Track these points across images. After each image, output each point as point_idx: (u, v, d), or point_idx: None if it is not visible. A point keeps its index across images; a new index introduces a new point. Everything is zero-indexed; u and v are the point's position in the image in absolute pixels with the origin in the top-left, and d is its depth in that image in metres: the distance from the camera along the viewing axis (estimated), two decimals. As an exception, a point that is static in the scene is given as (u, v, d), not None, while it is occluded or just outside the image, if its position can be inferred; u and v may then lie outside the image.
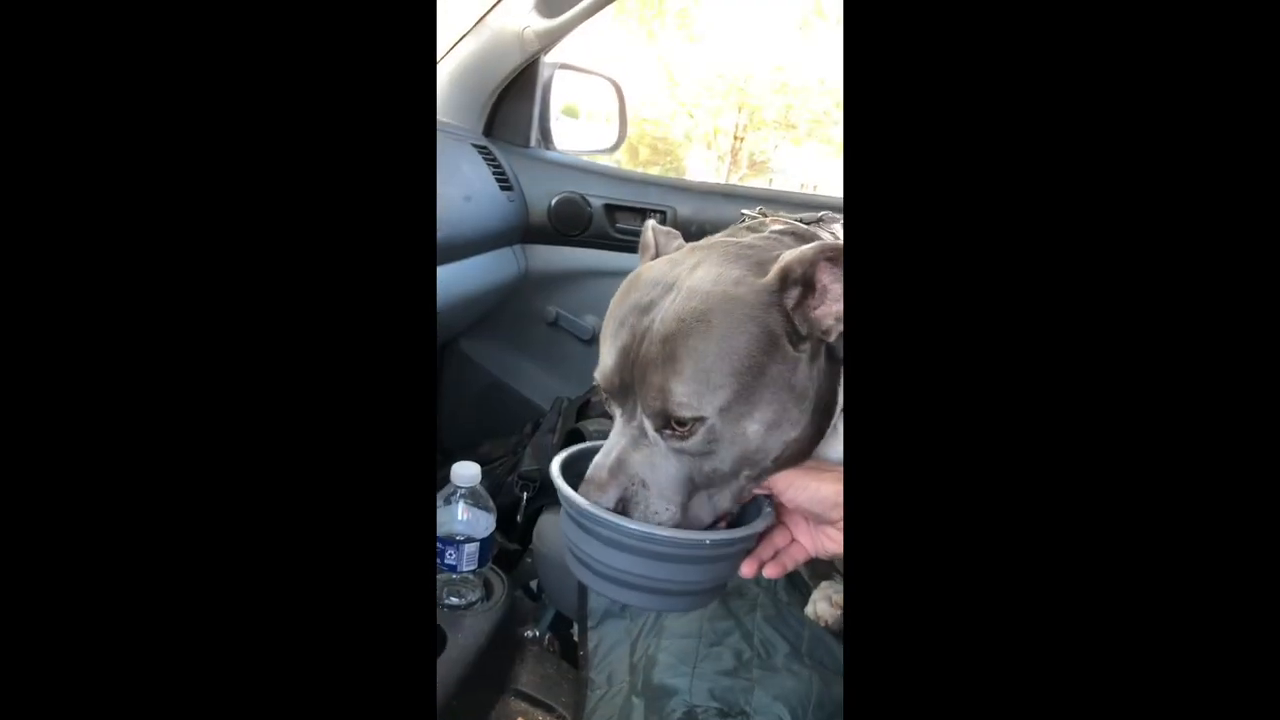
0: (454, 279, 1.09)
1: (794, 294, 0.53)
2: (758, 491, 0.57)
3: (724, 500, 0.55)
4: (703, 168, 8.54)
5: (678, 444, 0.53)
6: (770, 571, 0.58)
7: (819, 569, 0.89)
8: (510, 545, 0.98)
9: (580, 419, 1.02)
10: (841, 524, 0.55)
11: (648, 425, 0.53)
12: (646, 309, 0.54)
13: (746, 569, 0.57)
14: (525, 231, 1.30)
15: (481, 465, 1.03)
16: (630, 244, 1.27)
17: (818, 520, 0.56)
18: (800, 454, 0.56)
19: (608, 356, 0.55)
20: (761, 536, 0.58)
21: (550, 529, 0.89)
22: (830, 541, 0.57)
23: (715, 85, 8.08)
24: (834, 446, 0.61)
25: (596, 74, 1.48)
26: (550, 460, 0.57)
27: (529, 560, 1.02)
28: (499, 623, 0.77)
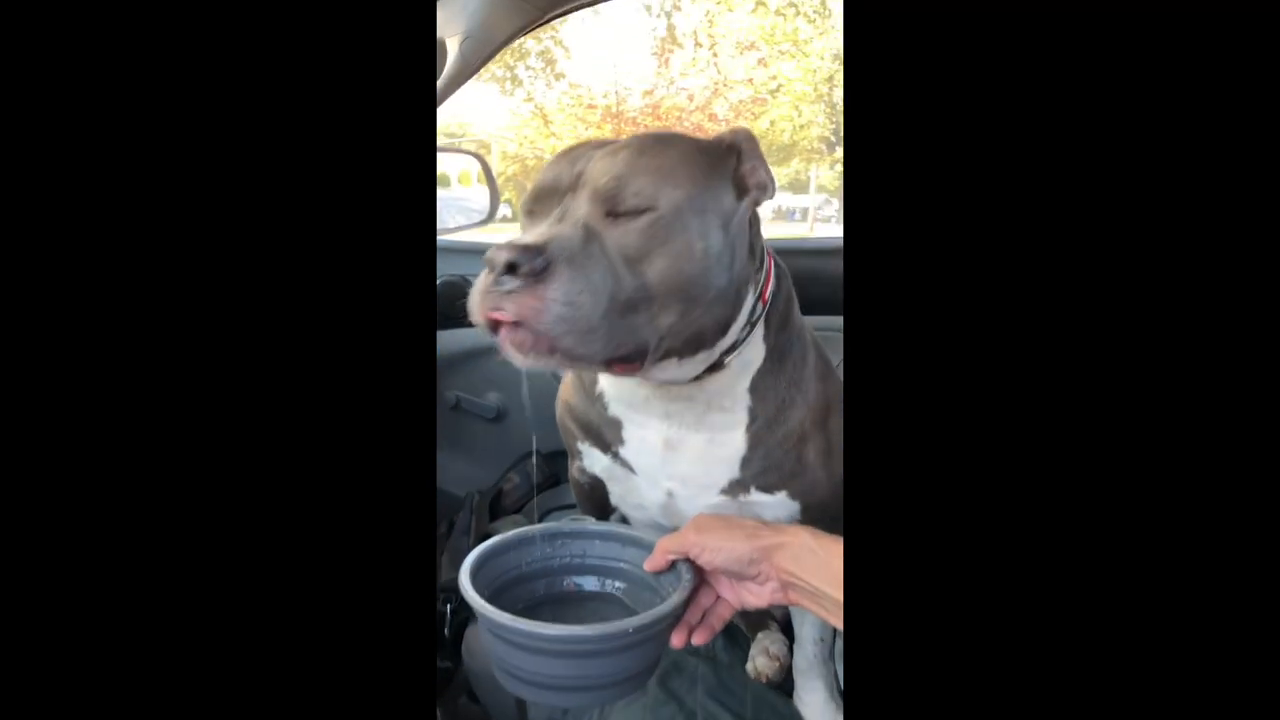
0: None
1: (731, 160, 0.57)
2: (674, 558, 0.58)
3: (639, 335, 0.50)
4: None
5: (618, 233, 0.49)
6: (699, 639, 0.58)
7: (753, 619, 0.90)
8: (442, 664, 0.94)
9: (494, 516, 1.00)
10: (760, 578, 0.56)
11: (586, 215, 0.50)
12: (580, 159, 0.54)
13: (676, 640, 0.57)
14: (409, 323, 1.26)
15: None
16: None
17: (738, 578, 0.57)
18: (703, 333, 0.55)
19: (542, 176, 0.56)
20: (685, 603, 0.59)
21: (478, 642, 0.86)
22: (752, 596, 0.58)
23: (588, 117, 8.22)
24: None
25: (456, 150, 1.47)
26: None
27: (464, 669, 0.98)
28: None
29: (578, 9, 1.13)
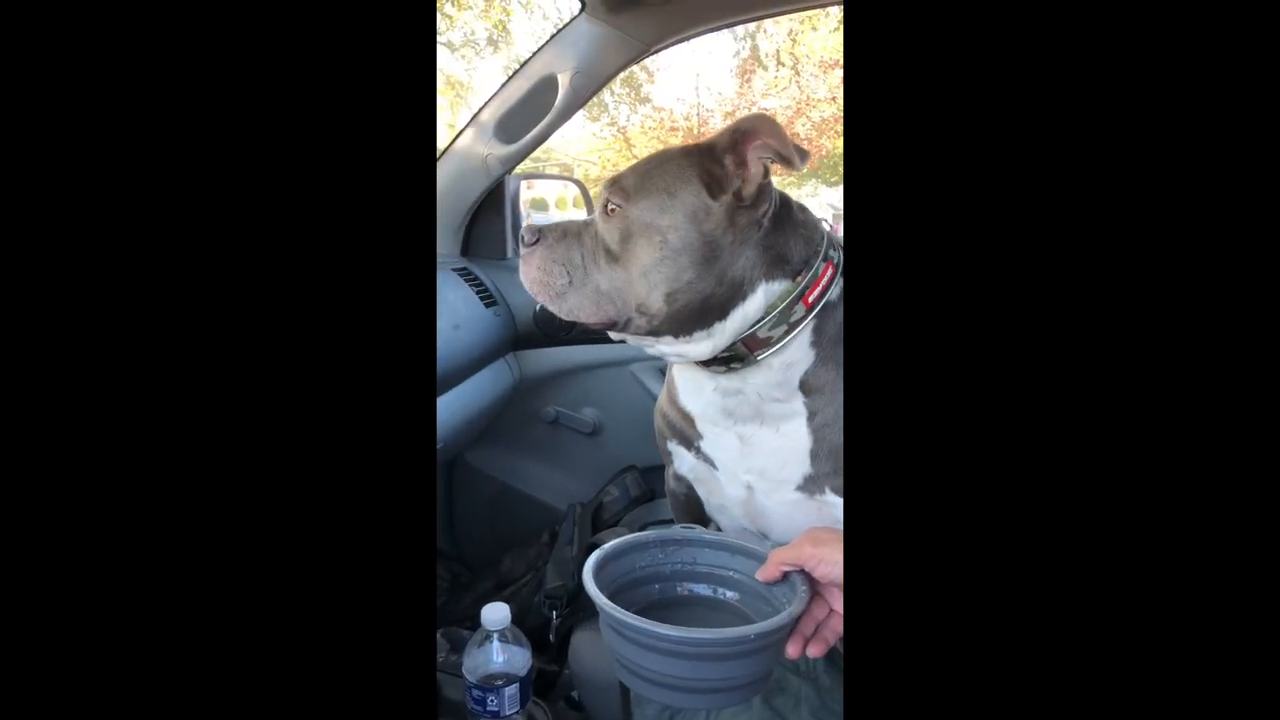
0: (453, 404, 1.11)
1: (707, 162, 0.63)
2: (788, 569, 0.59)
3: (606, 307, 0.66)
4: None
5: (604, 227, 0.65)
6: (814, 650, 0.59)
7: (855, 643, 0.89)
8: (549, 668, 0.98)
9: (595, 527, 1.03)
10: None
11: (597, 210, 0.67)
12: None
13: (792, 649, 0.58)
14: (515, 341, 1.33)
15: (504, 584, 1.03)
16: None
17: None
18: (689, 316, 0.64)
19: None
20: (801, 614, 0.60)
21: (586, 648, 0.89)
22: None
23: (669, 139, 8.36)
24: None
25: (556, 178, 1.54)
26: (574, 573, 0.57)
27: (567, 672, 1.01)
28: (549, 758, 0.76)
29: (679, 42, 1.17)
